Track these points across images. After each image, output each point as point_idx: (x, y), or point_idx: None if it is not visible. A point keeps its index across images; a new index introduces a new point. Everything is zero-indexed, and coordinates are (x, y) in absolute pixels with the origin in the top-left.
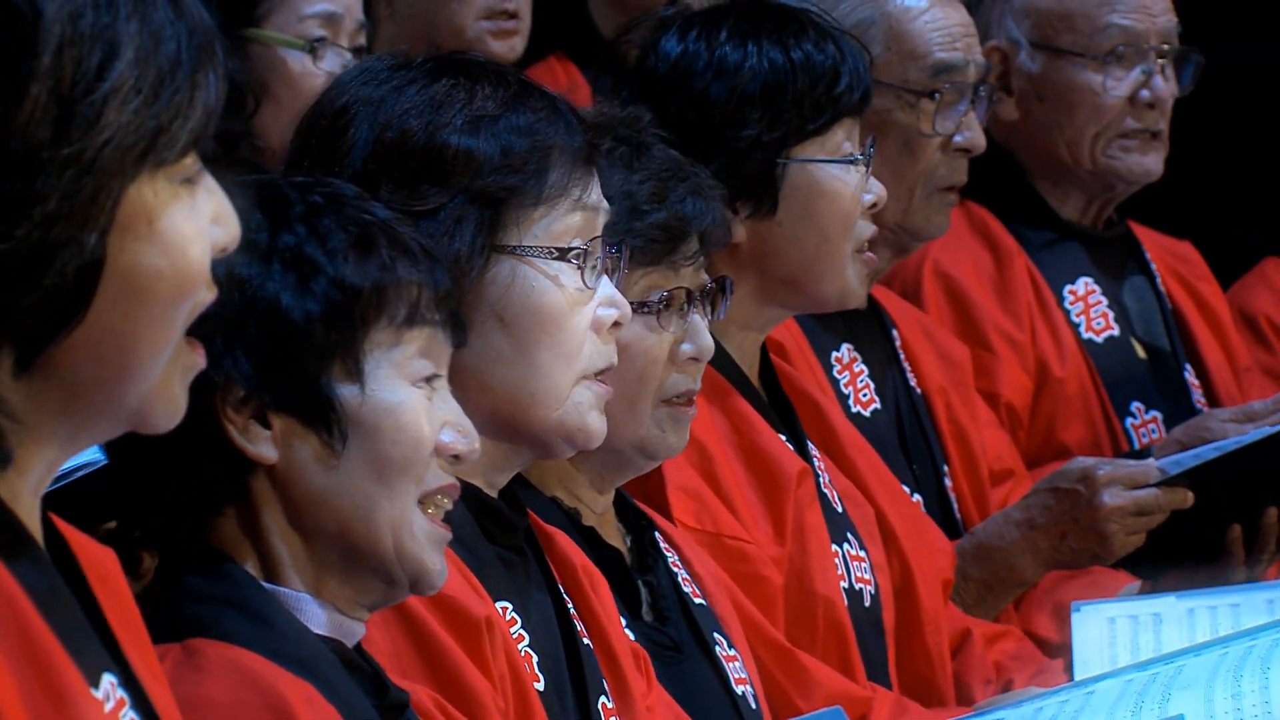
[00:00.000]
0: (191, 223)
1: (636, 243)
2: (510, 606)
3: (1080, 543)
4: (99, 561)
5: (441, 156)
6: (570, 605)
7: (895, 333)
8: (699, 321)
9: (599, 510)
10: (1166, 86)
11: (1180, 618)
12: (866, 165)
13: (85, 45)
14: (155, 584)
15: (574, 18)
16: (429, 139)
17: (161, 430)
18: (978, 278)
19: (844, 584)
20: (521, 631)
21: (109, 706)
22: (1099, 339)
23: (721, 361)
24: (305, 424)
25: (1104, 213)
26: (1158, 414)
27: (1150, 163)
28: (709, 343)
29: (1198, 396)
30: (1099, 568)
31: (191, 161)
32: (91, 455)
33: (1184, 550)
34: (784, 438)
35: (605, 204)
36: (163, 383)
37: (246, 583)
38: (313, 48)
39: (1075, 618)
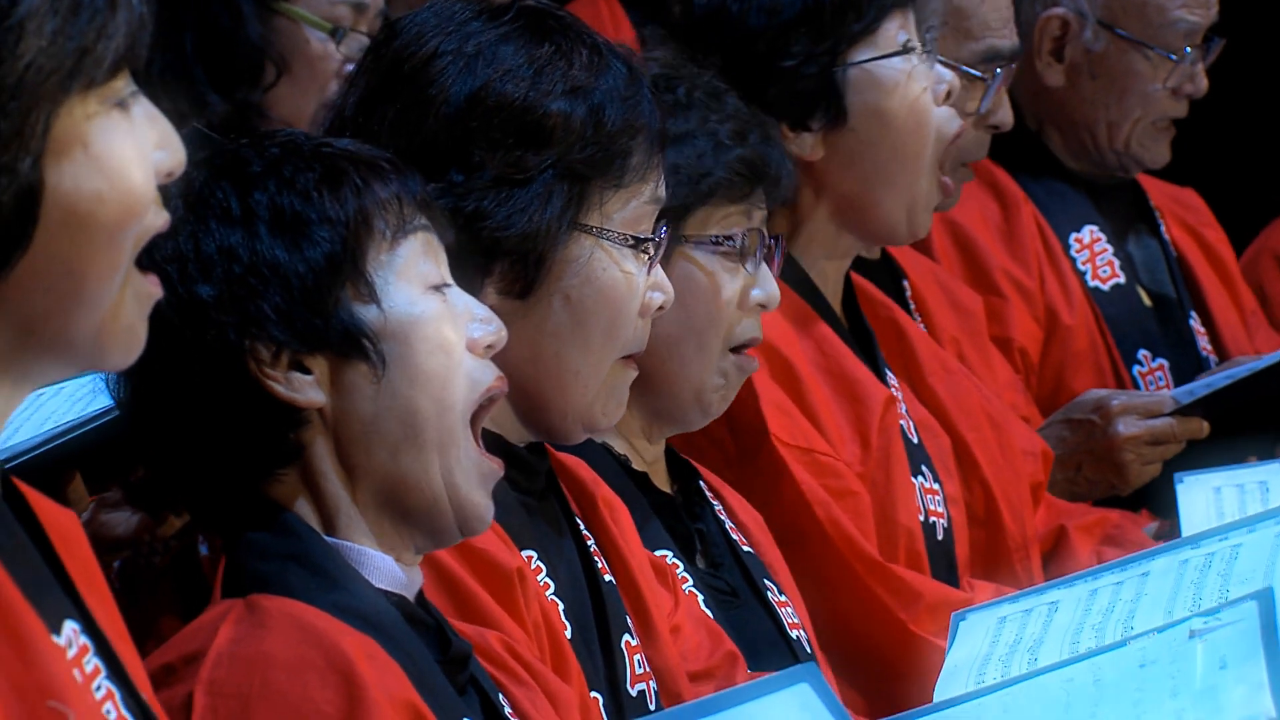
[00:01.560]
0: (130, 145)
1: (721, 174)
2: (535, 555)
3: (1096, 473)
4: (59, 521)
5: (541, 126)
6: (591, 541)
7: (906, 283)
8: (768, 270)
9: (650, 459)
10: (1205, 80)
11: None
12: (924, 51)
13: None
14: (182, 538)
15: None
16: (529, 107)
17: (119, 367)
18: (985, 226)
19: (920, 517)
20: (547, 580)
21: (71, 653)
22: (1105, 287)
23: (806, 289)
24: (342, 356)
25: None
26: (1164, 362)
27: (1166, 151)
28: (777, 291)
29: (1203, 344)
30: (1115, 510)
31: (123, 84)
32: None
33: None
34: (866, 366)
35: (665, 195)
36: (116, 313)
37: (308, 536)
38: (335, 30)
39: (1180, 489)
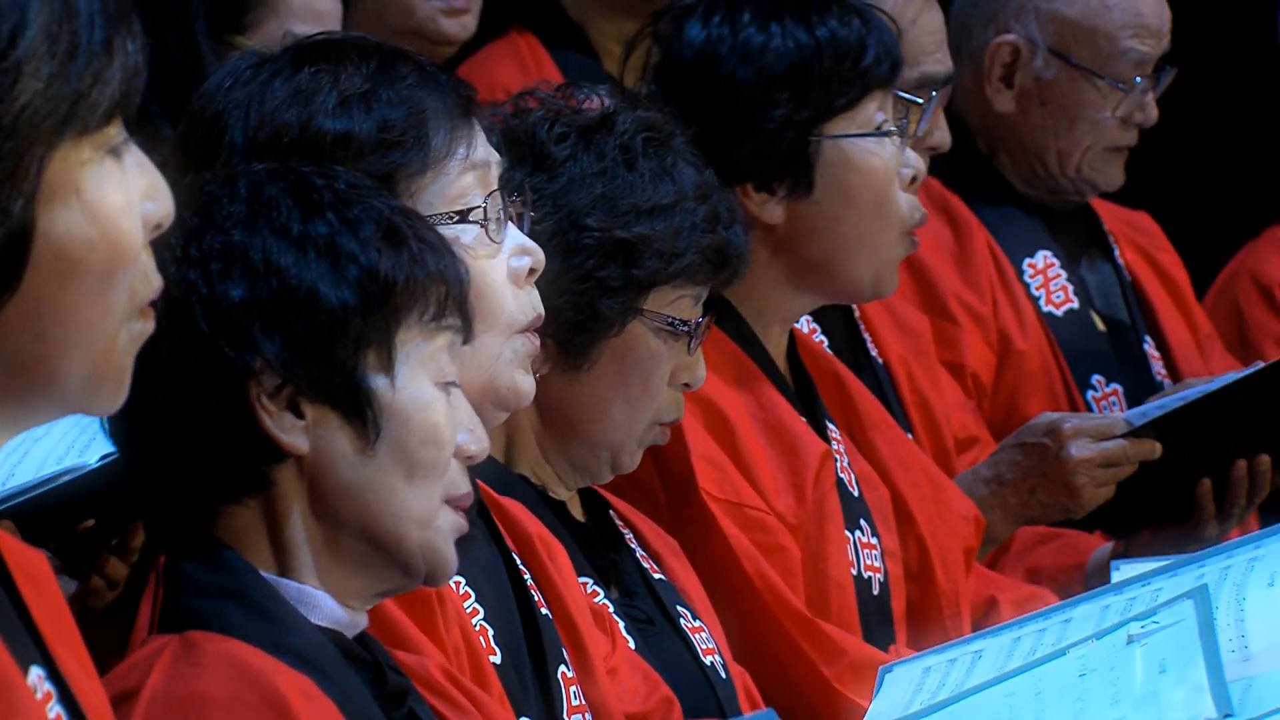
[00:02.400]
0: (121, 194)
1: (693, 258)
2: (463, 581)
3: (1049, 496)
4: (27, 562)
5: (319, 145)
6: (527, 576)
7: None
8: (700, 352)
9: (564, 497)
10: (1155, 109)
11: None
12: (901, 135)
13: None
14: (130, 579)
15: None
16: (303, 130)
17: (105, 412)
18: (938, 251)
19: (853, 571)
20: (476, 605)
21: (38, 697)
22: (1059, 312)
23: (749, 343)
24: (340, 413)
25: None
26: (1118, 387)
27: (1119, 174)
28: (705, 373)
29: (1158, 368)
30: (1072, 531)
31: (116, 131)
32: (76, 461)
33: (1155, 506)
34: (806, 420)
35: (495, 155)
36: (109, 358)
37: (246, 573)
38: None
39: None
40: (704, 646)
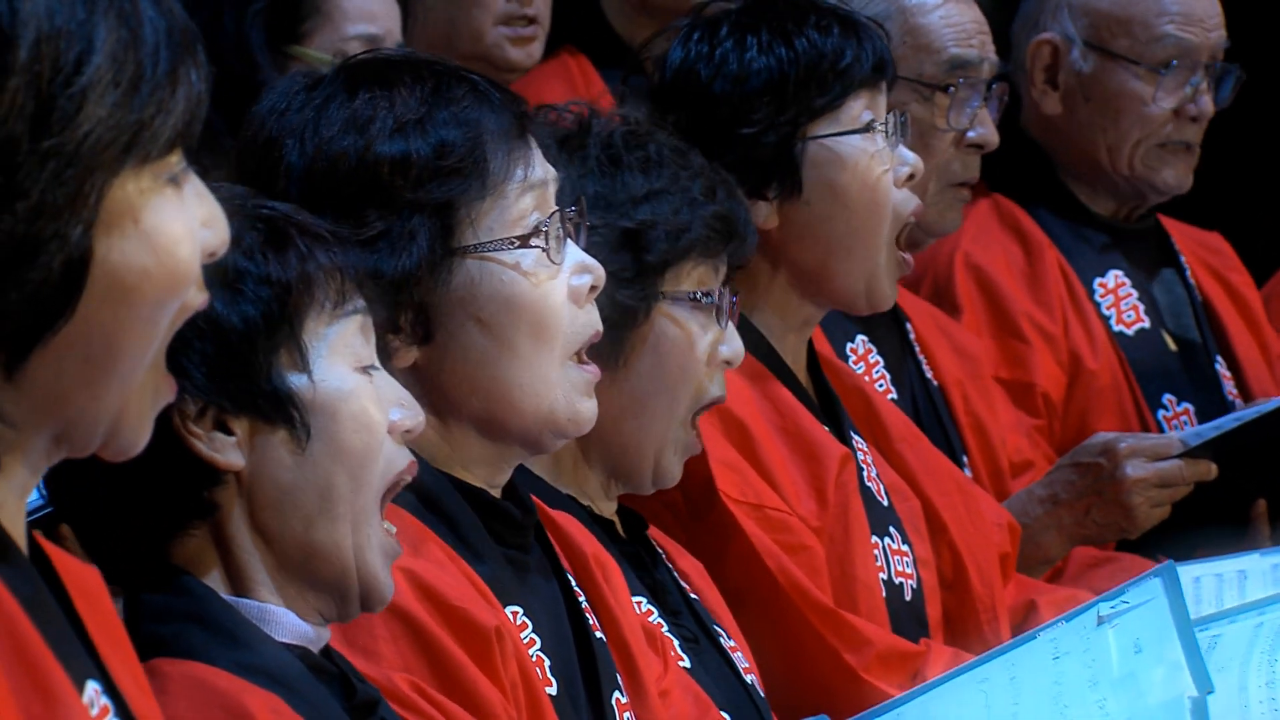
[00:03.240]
0: (180, 222)
1: (700, 231)
2: (521, 610)
3: (1105, 516)
4: (81, 576)
5: (377, 174)
6: (582, 598)
7: (909, 325)
8: (733, 327)
9: (608, 514)
10: (1210, 102)
11: (1265, 574)
12: (888, 133)
13: (62, 39)
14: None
15: (586, 13)
16: (360, 159)
17: (124, 455)
18: (1009, 270)
19: (883, 576)
20: (533, 635)
21: (94, 712)
22: (1130, 331)
23: (762, 351)
24: (267, 421)
25: (1133, 214)
26: (1190, 406)
27: (1183, 176)
28: (742, 347)
29: (1229, 388)
30: (1126, 554)
31: (176, 160)
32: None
33: (1210, 527)
34: (827, 429)
35: (553, 172)
36: (139, 398)
37: (206, 596)
38: None
39: None
40: (743, 666)
